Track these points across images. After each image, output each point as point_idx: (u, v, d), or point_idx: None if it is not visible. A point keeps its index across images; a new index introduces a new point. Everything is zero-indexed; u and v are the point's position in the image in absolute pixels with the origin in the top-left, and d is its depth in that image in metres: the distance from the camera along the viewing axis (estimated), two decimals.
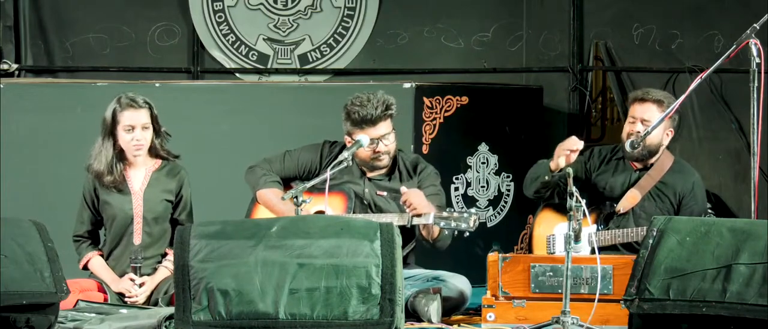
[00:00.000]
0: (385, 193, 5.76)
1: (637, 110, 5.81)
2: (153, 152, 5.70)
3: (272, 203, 5.76)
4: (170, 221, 5.72)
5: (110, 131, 5.62)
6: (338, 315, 4.48)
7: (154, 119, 5.64)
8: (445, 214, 5.40)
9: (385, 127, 5.69)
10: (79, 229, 5.74)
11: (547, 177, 5.74)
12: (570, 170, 4.93)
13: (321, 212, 5.62)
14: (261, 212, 5.85)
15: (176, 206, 5.72)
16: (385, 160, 5.76)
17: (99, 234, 5.81)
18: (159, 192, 5.69)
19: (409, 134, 6.79)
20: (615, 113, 7.78)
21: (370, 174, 5.81)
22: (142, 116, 5.60)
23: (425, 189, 5.70)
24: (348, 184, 5.77)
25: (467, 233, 5.36)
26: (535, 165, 5.91)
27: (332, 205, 5.67)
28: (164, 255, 5.70)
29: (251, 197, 5.92)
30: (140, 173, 5.70)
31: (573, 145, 5.63)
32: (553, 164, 5.71)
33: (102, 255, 5.72)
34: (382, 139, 5.70)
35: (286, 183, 5.88)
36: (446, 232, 5.58)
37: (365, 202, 5.75)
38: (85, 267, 5.72)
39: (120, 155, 5.65)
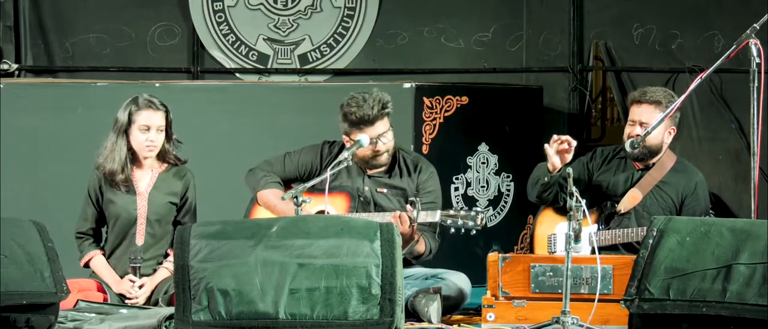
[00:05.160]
0: (385, 190, 5.77)
1: (636, 112, 5.79)
2: (161, 156, 5.70)
3: (272, 203, 5.76)
4: (173, 223, 5.71)
5: (124, 130, 5.62)
6: (338, 315, 4.48)
7: (168, 124, 5.65)
8: (451, 212, 5.43)
9: (382, 125, 5.70)
10: (82, 226, 5.73)
11: (546, 178, 5.74)
12: (570, 171, 4.93)
13: (322, 212, 5.62)
14: (260, 214, 5.84)
15: (180, 208, 5.72)
16: (384, 158, 5.77)
17: (102, 233, 5.79)
18: (164, 194, 5.68)
19: (409, 134, 6.79)
20: (615, 113, 7.78)
21: (370, 172, 5.82)
22: (158, 118, 5.61)
23: (424, 196, 5.70)
24: (348, 182, 5.77)
25: (473, 231, 5.38)
26: (535, 169, 5.91)
27: (334, 205, 5.67)
28: (166, 255, 5.70)
29: (251, 197, 5.92)
30: (147, 175, 5.70)
31: (558, 144, 5.62)
32: (550, 166, 5.71)
33: (104, 254, 5.72)
34: (380, 138, 5.71)
35: (287, 185, 5.88)
36: (430, 251, 5.65)
37: (366, 200, 5.75)
38: (86, 265, 5.71)
39: (131, 156, 5.65)
